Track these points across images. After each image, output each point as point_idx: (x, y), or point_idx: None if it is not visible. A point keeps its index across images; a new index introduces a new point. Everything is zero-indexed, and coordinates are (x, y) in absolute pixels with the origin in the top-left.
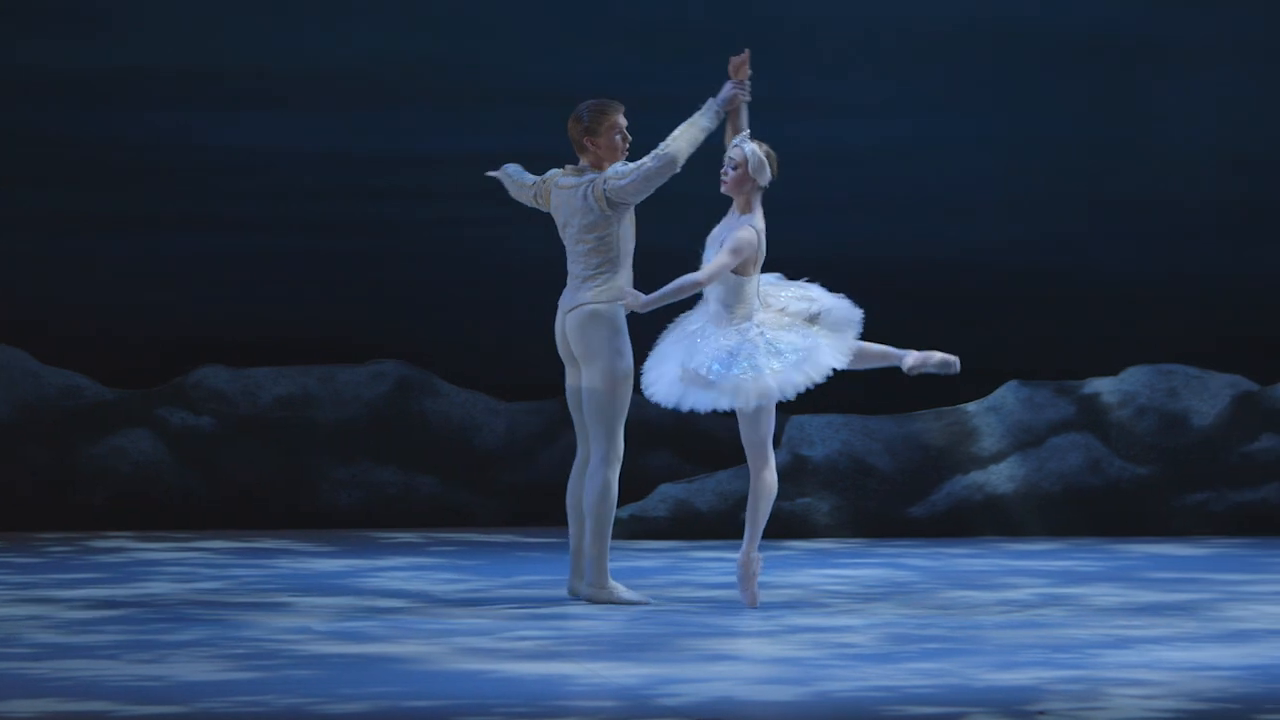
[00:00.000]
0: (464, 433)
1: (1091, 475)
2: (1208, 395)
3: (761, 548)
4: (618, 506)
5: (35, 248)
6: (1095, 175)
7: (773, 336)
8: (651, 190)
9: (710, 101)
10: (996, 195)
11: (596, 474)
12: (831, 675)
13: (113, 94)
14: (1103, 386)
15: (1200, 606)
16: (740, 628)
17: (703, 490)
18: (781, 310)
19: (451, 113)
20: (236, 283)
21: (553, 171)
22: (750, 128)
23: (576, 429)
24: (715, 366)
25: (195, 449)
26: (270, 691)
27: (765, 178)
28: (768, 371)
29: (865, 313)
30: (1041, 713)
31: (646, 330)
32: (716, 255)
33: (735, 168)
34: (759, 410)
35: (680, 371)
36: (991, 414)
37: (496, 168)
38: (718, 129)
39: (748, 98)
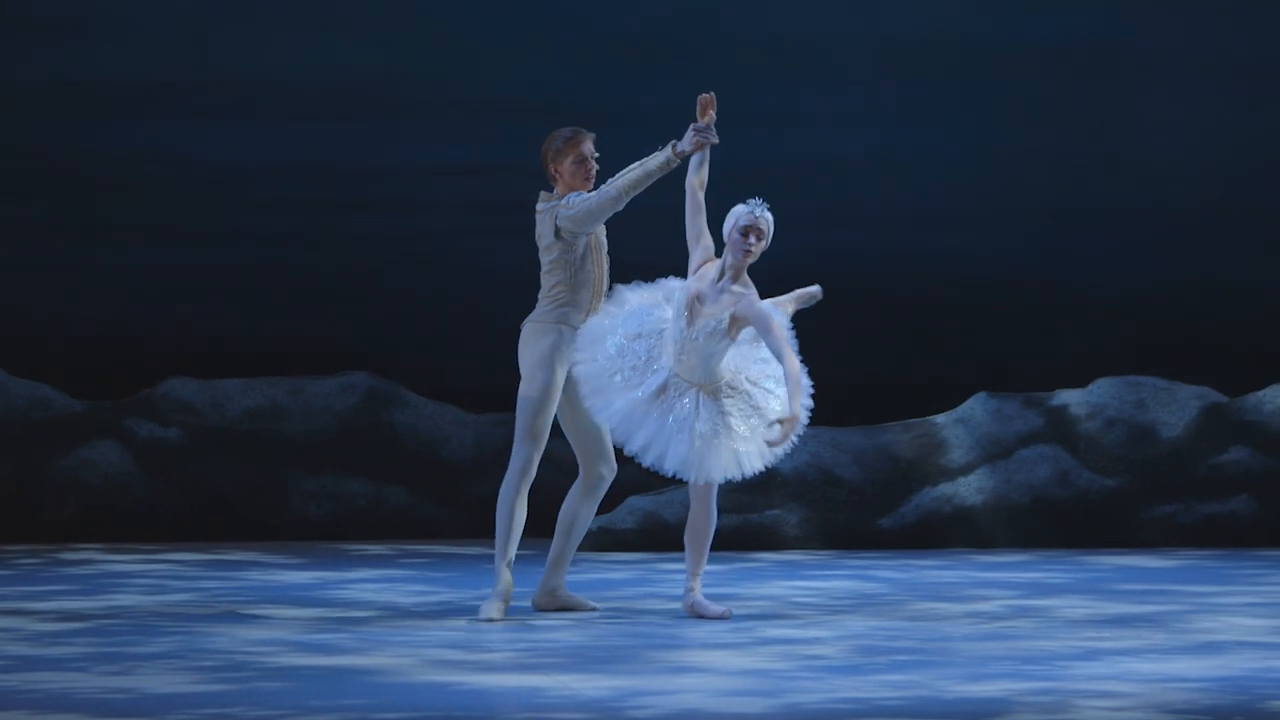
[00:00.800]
0: (433, 444)
1: (1060, 487)
2: (1176, 407)
3: (729, 559)
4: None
5: (3, 259)
6: (1063, 187)
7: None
8: (598, 223)
9: (671, 145)
10: (964, 207)
11: (507, 489)
12: (800, 687)
13: (84, 106)
14: (1071, 398)
15: (1169, 618)
16: (710, 639)
17: (671, 502)
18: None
19: (421, 125)
20: (205, 294)
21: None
22: (719, 140)
23: (574, 450)
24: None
25: (164, 461)
26: (239, 704)
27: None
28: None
29: (836, 323)
30: None
31: None
32: (775, 343)
33: (761, 238)
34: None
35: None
36: (960, 426)
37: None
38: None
39: (714, 141)
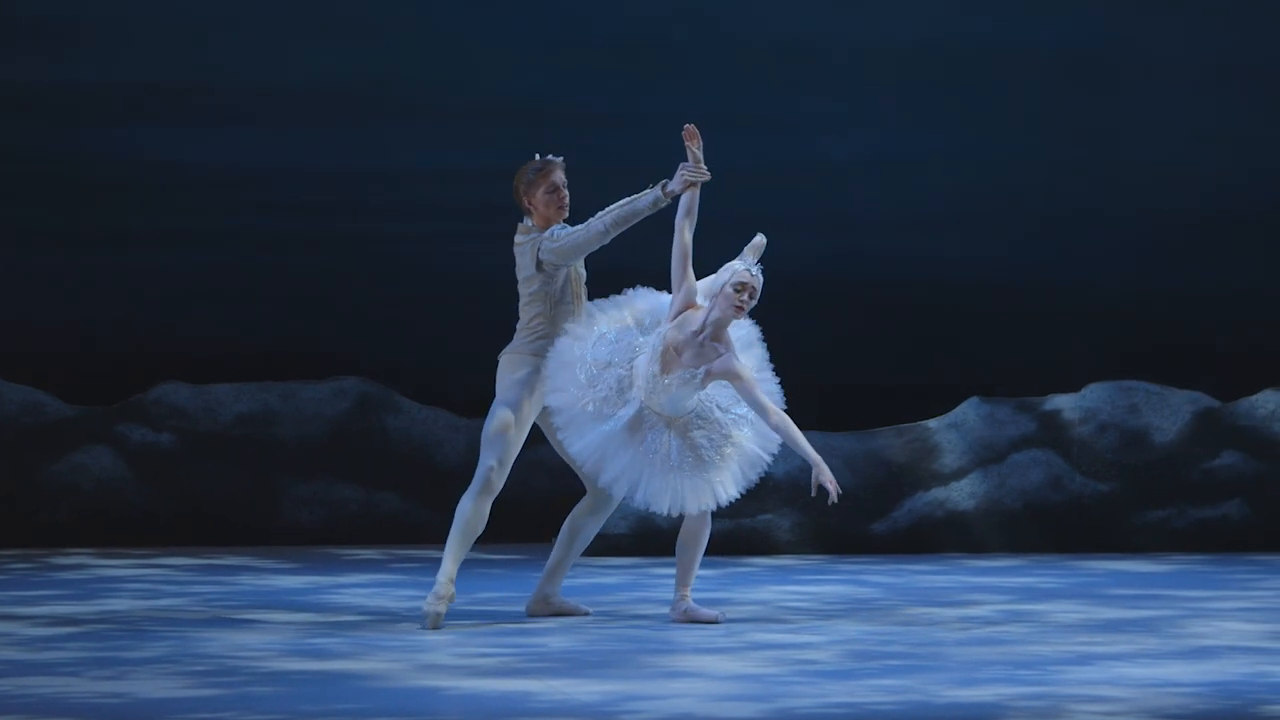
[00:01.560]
0: (425, 449)
1: (1053, 492)
2: (1169, 412)
3: (722, 564)
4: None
5: None
6: (1056, 191)
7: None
8: (581, 256)
9: (661, 185)
10: (956, 211)
11: (468, 497)
12: (793, 692)
13: (76, 110)
14: (1064, 403)
15: (1162, 623)
16: (702, 644)
17: None
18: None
19: (414, 129)
20: (197, 299)
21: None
22: (708, 153)
23: (578, 473)
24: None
25: (156, 466)
26: (231, 708)
27: None
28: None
29: (828, 327)
30: None
31: None
32: (755, 401)
33: (752, 297)
34: None
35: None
36: (953, 431)
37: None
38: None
39: (705, 178)
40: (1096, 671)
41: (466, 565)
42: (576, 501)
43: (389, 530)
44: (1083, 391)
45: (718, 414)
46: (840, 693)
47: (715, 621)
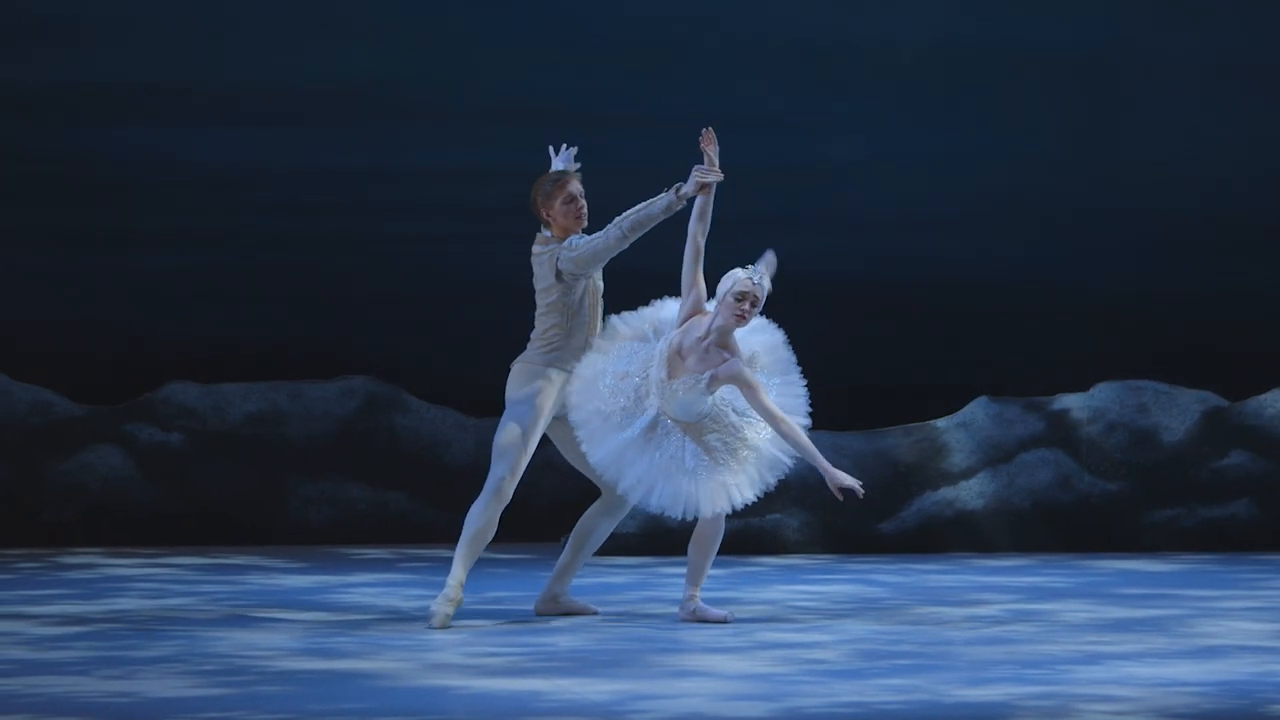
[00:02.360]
0: (433, 449)
1: (1061, 491)
2: (1177, 411)
3: (730, 564)
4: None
5: (3, 263)
6: (1065, 191)
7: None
8: (600, 264)
9: (675, 188)
10: (964, 211)
11: (479, 505)
12: (801, 691)
13: (82, 110)
14: (1072, 403)
15: (1170, 622)
16: (710, 644)
17: None
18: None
19: (424, 129)
20: (206, 299)
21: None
22: (723, 177)
23: (592, 479)
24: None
25: (164, 465)
26: (240, 708)
27: None
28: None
29: (836, 327)
30: None
31: None
32: (762, 407)
33: (755, 305)
34: None
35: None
36: (961, 430)
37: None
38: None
39: (718, 178)
40: (1105, 671)
41: (476, 564)
42: (587, 502)
43: (397, 529)
44: (1091, 391)
45: (733, 418)
46: (849, 692)
47: (724, 621)
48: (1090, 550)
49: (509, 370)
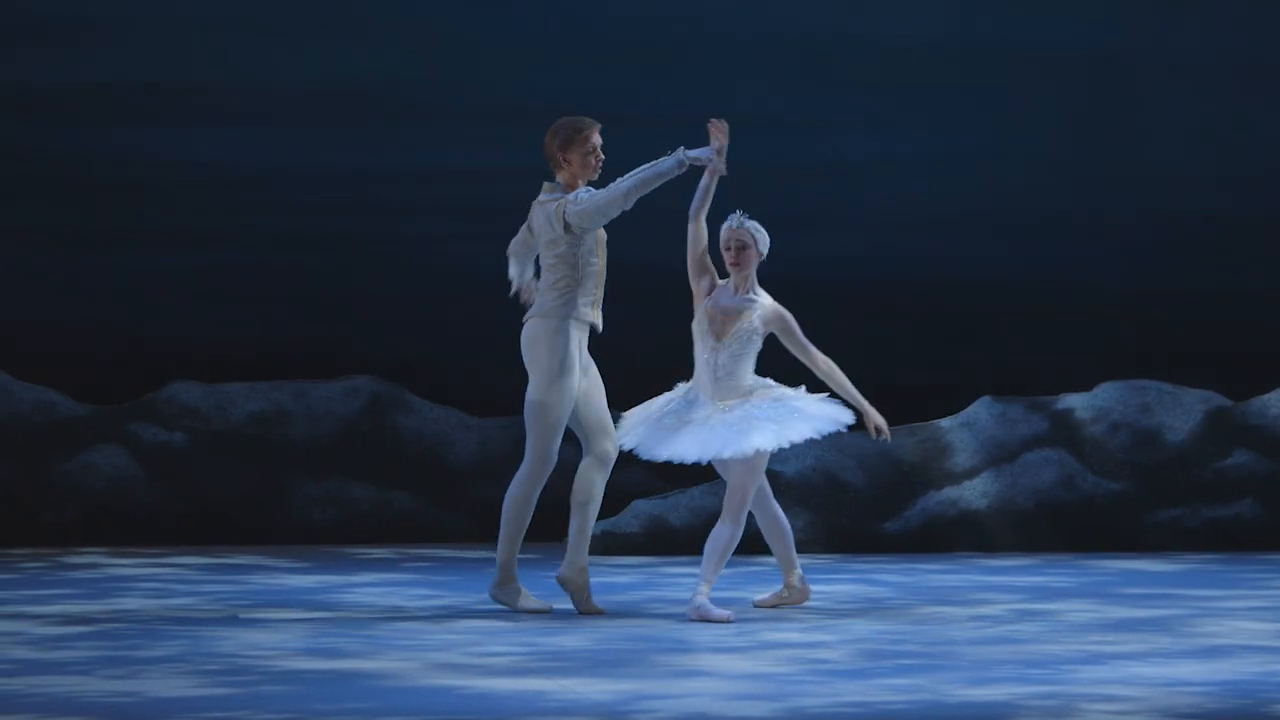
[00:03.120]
0: (437, 448)
1: (1065, 491)
2: (1181, 411)
3: (734, 563)
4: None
5: (6, 264)
6: (1068, 191)
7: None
8: (604, 220)
9: (680, 150)
10: (968, 211)
11: (520, 485)
12: (805, 691)
13: (84, 110)
14: (1076, 402)
15: (1174, 622)
16: (714, 643)
17: (676, 506)
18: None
19: (427, 128)
20: (209, 298)
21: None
22: (726, 171)
23: (577, 432)
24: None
25: (168, 465)
26: (244, 707)
27: (765, 252)
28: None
29: (840, 326)
30: None
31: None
32: (799, 344)
33: (743, 248)
34: (758, 468)
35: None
36: (965, 430)
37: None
38: (682, 181)
39: (723, 170)
40: (1108, 670)
41: (480, 564)
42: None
43: (401, 529)
44: (1095, 391)
45: (777, 389)
46: (852, 692)
47: (727, 621)
48: (1094, 550)
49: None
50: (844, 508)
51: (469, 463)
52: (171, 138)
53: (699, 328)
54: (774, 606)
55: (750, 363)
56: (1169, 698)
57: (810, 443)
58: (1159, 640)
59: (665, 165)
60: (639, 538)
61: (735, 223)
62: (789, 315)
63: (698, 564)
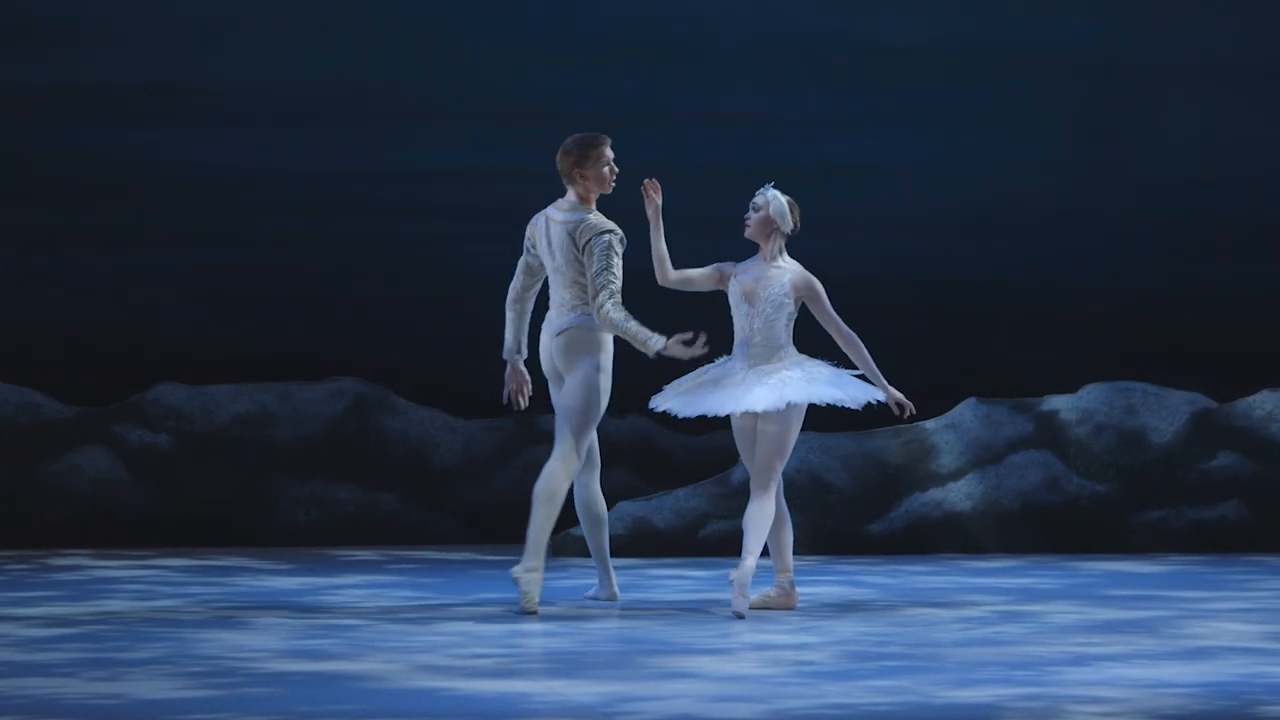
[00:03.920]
0: (422, 450)
1: (1050, 492)
2: (1166, 413)
3: (719, 565)
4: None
5: None
6: (1053, 192)
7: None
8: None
9: (662, 344)
10: (953, 212)
11: (553, 475)
12: (790, 693)
13: (75, 111)
14: (1061, 404)
15: (1159, 624)
16: (699, 645)
17: (661, 508)
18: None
19: (410, 131)
20: (194, 300)
21: (539, 216)
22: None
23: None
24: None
25: (153, 467)
26: (228, 709)
27: (787, 224)
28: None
29: (821, 329)
30: None
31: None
32: (826, 311)
33: (757, 211)
34: (789, 432)
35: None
36: (950, 431)
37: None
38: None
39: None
40: (1093, 672)
41: (464, 566)
42: (578, 503)
43: (386, 531)
44: (1080, 392)
45: (811, 362)
46: (837, 693)
47: (738, 616)
48: (1079, 551)
49: (553, 342)
50: (829, 509)
51: (454, 464)
52: (157, 139)
53: (733, 298)
54: (760, 608)
55: (785, 329)
56: (1154, 699)
57: (795, 445)
58: (1144, 642)
59: (647, 342)
60: (623, 540)
61: (761, 191)
62: (817, 283)
63: (682, 565)
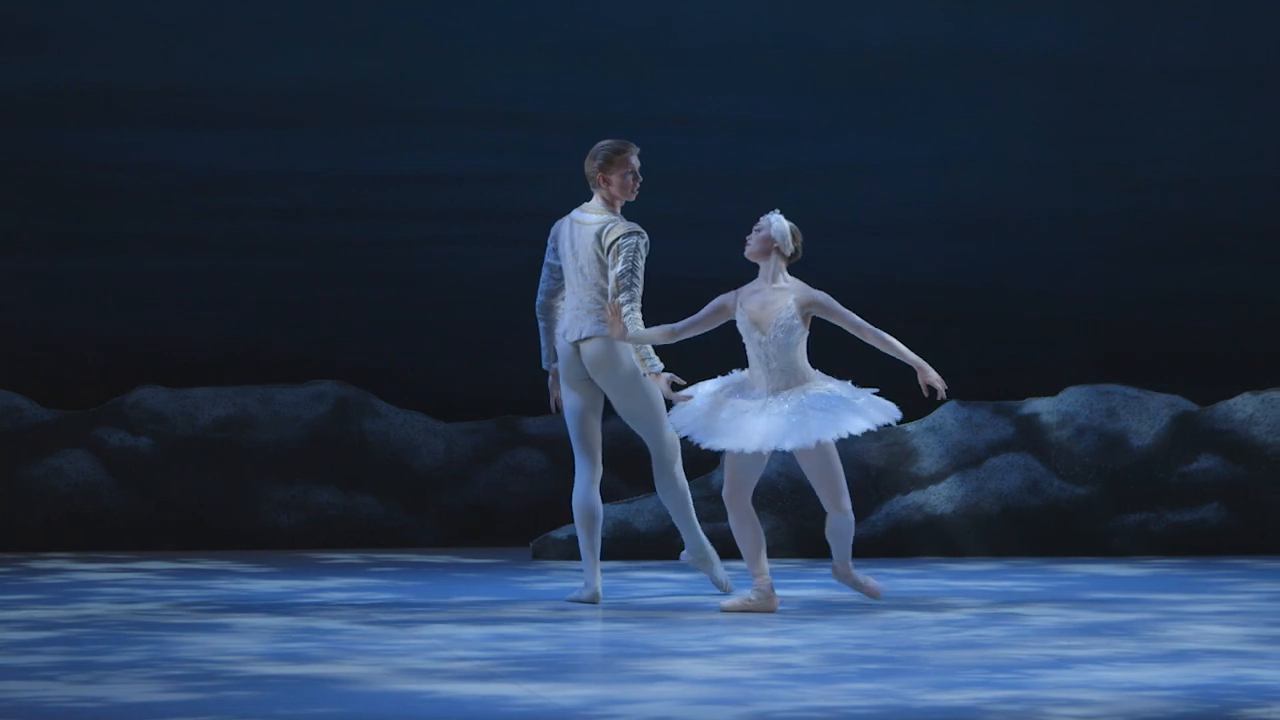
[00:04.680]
0: (403, 453)
1: (1031, 495)
2: (1146, 416)
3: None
4: (681, 497)
5: None
6: (1034, 196)
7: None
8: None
9: (657, 370)
10: (935, 215)
11: (662, 473)
12: (770, 695)
13: (56, 113)
14: (1041, 407)
15: (1139, 626)
16: (679, 648)
17: (642, 511)
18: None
19: (390, 134)
20: (175, 303)
21: (563, 219)
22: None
23: (576, 446)
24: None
25: (134, 470)
26: (209, 713)
27: (788, 245)
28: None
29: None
30: None
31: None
32: (845, 317)
33: (759, 231)
34: (829, 458)
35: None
36: (930, 434)
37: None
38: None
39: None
40: (1074, 675)
41: (446, 569)
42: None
43: (367, 534)
44: (1060, 395)
45: (833, 384)
46: (817, 696)
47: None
48: (1059, 554)
49: (581, 348)
50: (809, 512)
51: (435, 467)
52: (134, 141)
53: (742, 327)
54: (739, 612)
55: (799, 350)
56: (1134, 702)
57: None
58: (1125, 645)
59: (645, 361)
60: (605, 542)
61: (766, 215)
62: (823, 297)
63: (663, 568)
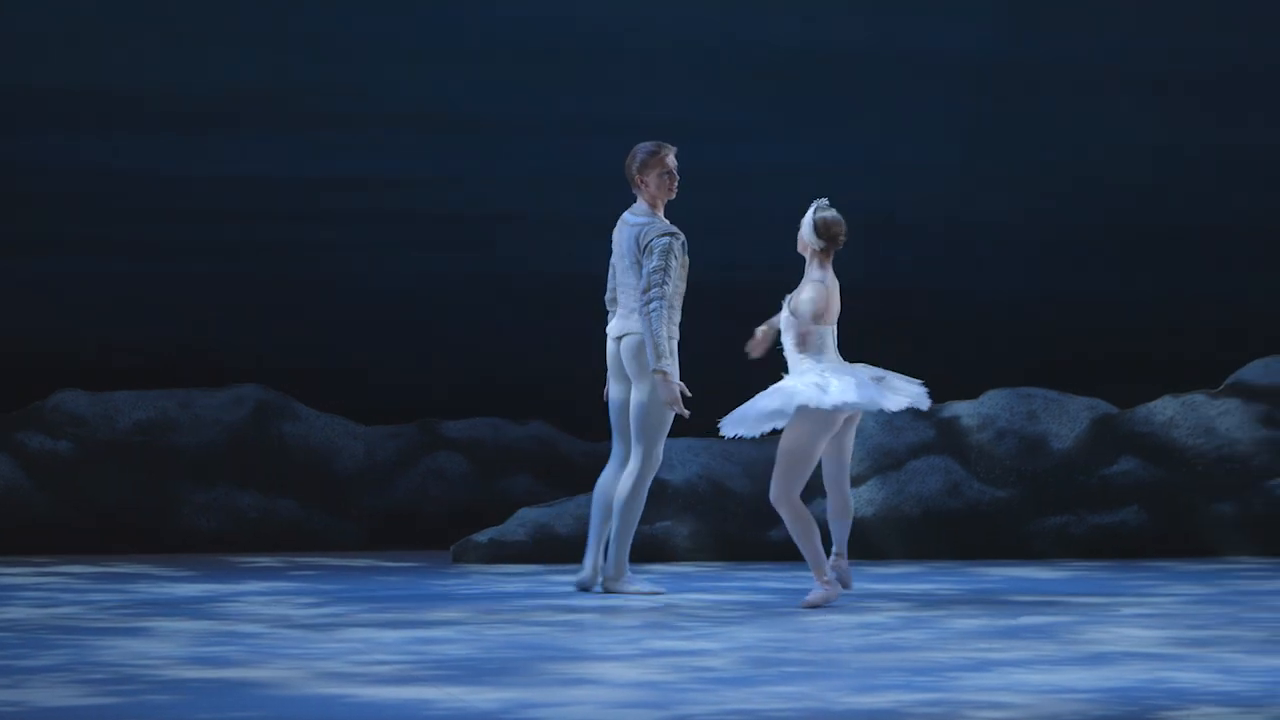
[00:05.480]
0: (323, 456)
1: (951, 498)
2: (1066, 418)
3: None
4: (638, 514)
5: None
6: (954, 199)
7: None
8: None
9: (669, 371)
10: (853, 219)
11: (630, 477)
12: (690, 699)
13: None
14: (962, 410)
15: (1059, 629)
16: (599, 651)
17: (562, 514)
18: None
19: (311, 137)
20: (94, 306)
21: (619, 221)
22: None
23: (615, 434)
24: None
25: (54, 473)
26: (129, 717)
27: (812, 241)
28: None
29: (722, 335)
30: None
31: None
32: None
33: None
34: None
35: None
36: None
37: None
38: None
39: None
40: (994, 678)
41: (366, 573)
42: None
43: (287, 537)
44: (981, 398)
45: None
46: (736, 699)
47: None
48: (980, 557)
49: (620, 344)
50: (729, 515)
51: (355, 470)
52: (57, 143)
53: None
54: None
55: (813, 339)
56: (1054, 705)
57: (696, 451)
58: (1045, 647)
59: (660, 359)
60: (525, 546)
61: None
62: (803, 297)
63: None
